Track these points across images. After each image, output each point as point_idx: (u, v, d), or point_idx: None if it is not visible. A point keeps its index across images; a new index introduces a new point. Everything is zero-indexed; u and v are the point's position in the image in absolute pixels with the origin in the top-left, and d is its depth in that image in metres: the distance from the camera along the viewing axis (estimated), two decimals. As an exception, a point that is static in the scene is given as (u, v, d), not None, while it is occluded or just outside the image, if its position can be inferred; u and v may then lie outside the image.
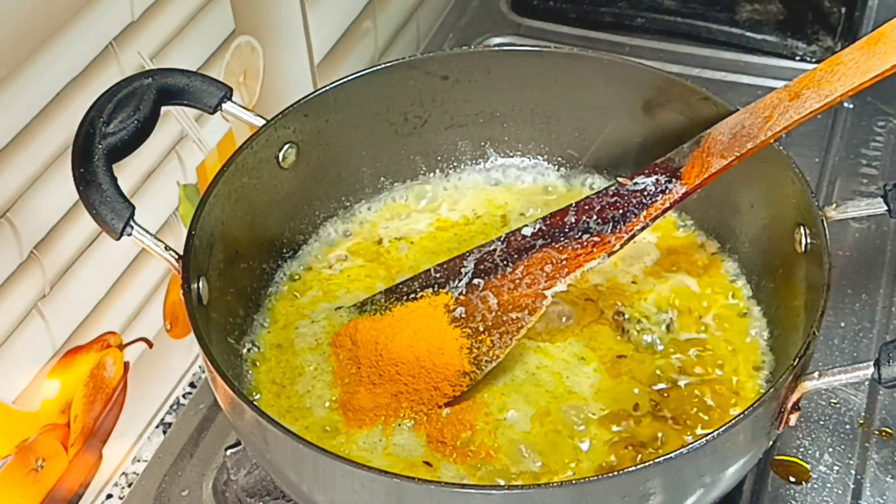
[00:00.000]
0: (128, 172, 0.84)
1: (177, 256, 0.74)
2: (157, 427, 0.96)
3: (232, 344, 0.82)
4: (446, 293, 0.82)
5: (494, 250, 0.83)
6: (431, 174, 0.96)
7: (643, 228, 0.79)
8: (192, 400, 0.97)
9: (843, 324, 0.96)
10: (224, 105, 0.80)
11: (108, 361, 0.89)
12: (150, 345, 0.94)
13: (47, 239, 0.80)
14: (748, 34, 1.25)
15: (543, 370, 0.81)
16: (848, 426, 0.89)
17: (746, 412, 0.64)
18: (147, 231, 0.73)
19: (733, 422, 0.64)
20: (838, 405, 0.90)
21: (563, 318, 0.84)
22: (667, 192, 0.79)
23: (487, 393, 0.80)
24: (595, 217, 0.80)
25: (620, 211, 0.80)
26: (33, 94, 0.76)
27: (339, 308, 0.86)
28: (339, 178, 0.92)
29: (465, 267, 0.83)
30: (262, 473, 0.84)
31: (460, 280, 0.83)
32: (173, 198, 0.93)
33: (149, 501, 0.88)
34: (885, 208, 0.76)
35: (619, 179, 0.81)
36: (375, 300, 0.85)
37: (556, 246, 0.81)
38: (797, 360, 0.67)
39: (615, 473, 0.62)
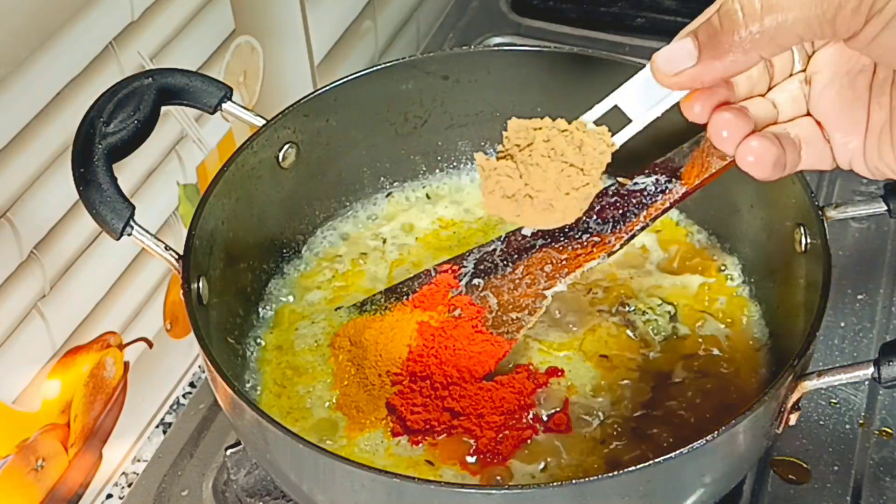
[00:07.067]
0: (128, 172, 0.84)
1: (177, 256, 0.74)
2: (157, 427, 0.96)
3: (232, 344, 0.82)
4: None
5: (494, 250, 0.83)
6: (431, 174, 0.96)
7: (643, 228, 0.79)
8: (192, 400, 0.97)
9: (843, 324, 0.96)
10: (224, 105, 0.80)
11: (108, 361, 0.89)
12: (150, 345, 0.94)
13: (47, 239, 0.79)
14: (748, 34, 1.25)
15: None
16: (848, 426, 0.88)
17: (746, 412, 0.64)
18: (147, 231, 0.73)
19: (733, 422, 0.64)
20: (838, 405, 0.90)
21: (566, 315, 0.84)
22: (667, 192, 0.79)
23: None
24: (595, 217, 0.80)
25: (620, 211, 0.80)
26: (33, 94, 0.76)
27: (339, 308, 0.86)
28: (339, 178, 0.92)
29: (464, 267, 0.83)
30: (262, 473, 0.84)
31: (460, 280, 0.83)
32: (173, 198, 0.93)
33: (149, 501, 0.88)
34: (885, 208, 0.76)
35: (619, 179, 0.81)
36: (375, 300, 0.85)
37: (556, 246, 0.81)
38: (797, 360, 0.67)
39: (615, 473, 0.62)
